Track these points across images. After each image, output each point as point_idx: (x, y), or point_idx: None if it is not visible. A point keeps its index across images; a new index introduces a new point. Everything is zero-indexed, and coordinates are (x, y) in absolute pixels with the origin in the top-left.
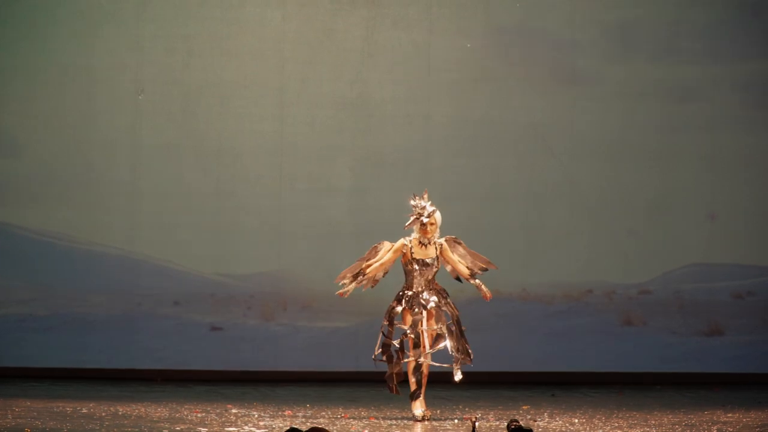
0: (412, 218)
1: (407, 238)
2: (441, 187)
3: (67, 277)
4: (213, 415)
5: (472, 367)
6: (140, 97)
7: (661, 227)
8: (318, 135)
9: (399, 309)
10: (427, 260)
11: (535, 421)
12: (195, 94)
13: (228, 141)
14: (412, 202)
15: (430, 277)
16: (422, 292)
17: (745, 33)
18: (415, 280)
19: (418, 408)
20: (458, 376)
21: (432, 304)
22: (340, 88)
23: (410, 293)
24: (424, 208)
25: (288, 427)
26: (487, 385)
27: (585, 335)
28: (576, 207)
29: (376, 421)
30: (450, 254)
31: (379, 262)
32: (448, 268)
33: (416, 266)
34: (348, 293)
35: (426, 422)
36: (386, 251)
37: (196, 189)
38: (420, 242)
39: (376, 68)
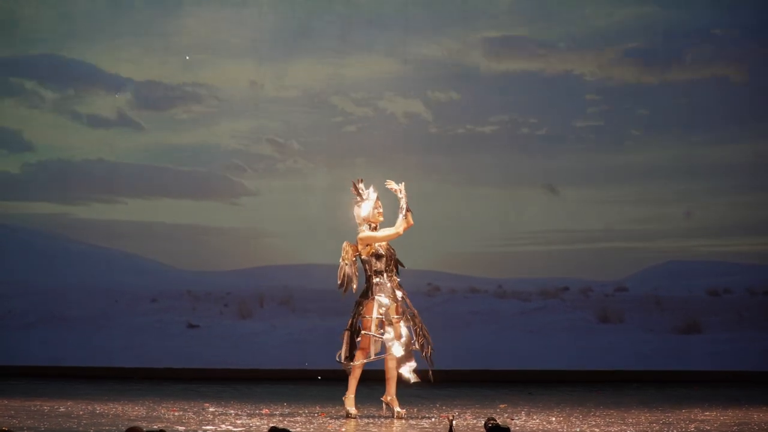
0: (371, 202)
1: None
2: (418, 185)
3: (44, 274)
4: (190, 414)
5: (443, 366)
6: (117, 96)
7: (637, 224)
8: (294, 132)
9: (365, 300)
10: (381, 250)
11: (513, 419)
12: (172, 92)
13: (204, 138)
14: (361, 190)
15: (391, 265)
16: (386, 282)
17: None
18: (376, 270)
19: (352, 406)
20: (413, 377)
21: (398, 295)
22: (316, 85)
23: (376, 283)
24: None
25: (269, 427)
26: (463, 383)
27: (562, 333)
28: (552, 204)
29: (353, 419)
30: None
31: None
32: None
33: (374, 255)
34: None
35: (403, 420)
36: (347, 249)
37: (173, 186)
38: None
39: (352, 66)
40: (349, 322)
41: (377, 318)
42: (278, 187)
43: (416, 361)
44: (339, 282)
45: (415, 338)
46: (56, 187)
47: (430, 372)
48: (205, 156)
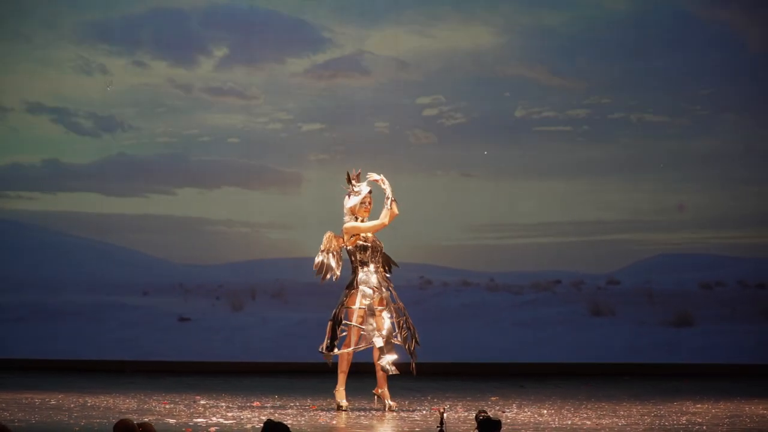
0: (359, 196)
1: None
2: (410, 177)
3: (36, 267)
4: (181, 406)
5: (435, 359)
6: (109, 89)
7: (629, 217)
8: (286, 125)
9: (349, 291)
10: (367, 241)
11: (504, 412)
12: (163, 87)
13: (196, 131)
14: (354, 182)
15: (377, 256)
16: (372, 274)
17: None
18: (362, 261)
19: (343, 398)
20: (391, 369)
21: (384, 287)
22: (308, 78)
23: (361, 275)
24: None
25: (264, 421)
26: (455, 375)
27: (553, 326)
28: (544, 197)
29: (344, 411)
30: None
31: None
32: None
33: (359, 247)
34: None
35: (394, 412)
36: (331, 239)
37: (166, 179)
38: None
39: (344, 59)
40: (333, 312)
41: (360, 308)
42: (270, 179)
43: (397, 353)
44: (316, 270)
45: (397, 331)
46: (48, 179)
47: (413, 365)
48: (196, 147)
